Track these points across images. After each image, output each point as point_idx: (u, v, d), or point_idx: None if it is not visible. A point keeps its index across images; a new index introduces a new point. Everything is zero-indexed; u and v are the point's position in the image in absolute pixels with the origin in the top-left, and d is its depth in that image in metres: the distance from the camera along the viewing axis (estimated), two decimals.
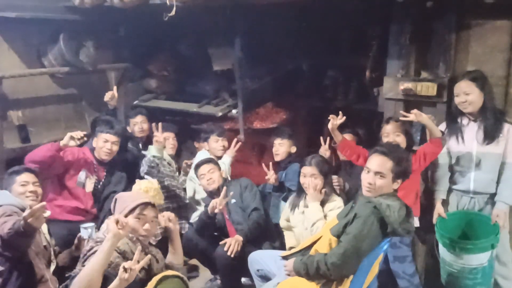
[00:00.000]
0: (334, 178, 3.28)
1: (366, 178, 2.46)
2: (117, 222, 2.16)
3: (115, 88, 4.20)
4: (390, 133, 2.96)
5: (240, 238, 3.09)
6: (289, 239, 3.20)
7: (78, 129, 3.95)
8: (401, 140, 2.93)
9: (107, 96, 4.08)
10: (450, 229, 2.88)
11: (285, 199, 3.55)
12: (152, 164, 3.55)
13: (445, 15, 2.98)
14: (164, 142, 3.69)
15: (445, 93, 2.95)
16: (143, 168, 3.59)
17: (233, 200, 3.36)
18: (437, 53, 3.06)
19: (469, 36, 2.98)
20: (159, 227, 3.32)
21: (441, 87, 2.96)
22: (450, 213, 2.96)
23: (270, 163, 3.61)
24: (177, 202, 3.84)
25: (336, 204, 3.00)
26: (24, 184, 2.77)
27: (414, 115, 2.77)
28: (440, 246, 2.86)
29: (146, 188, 3.29)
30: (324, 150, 3.58)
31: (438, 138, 2.77)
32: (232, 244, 3.04)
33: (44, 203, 2.27)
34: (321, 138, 3.64)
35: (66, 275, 2.27)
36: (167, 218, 2.55)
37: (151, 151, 3.61)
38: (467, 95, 2.75)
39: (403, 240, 2.94)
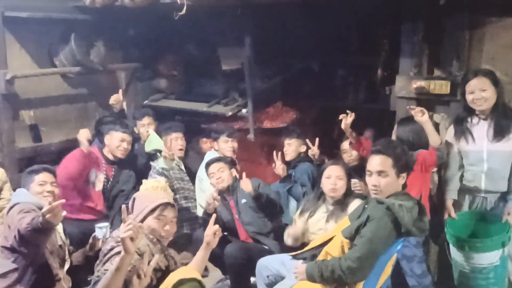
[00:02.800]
0: (355, 181, 3.16)
1: (370, 181, 2.44)
2: (131, 238, 2.03)
3: (121, 91, 4.18)
4: None
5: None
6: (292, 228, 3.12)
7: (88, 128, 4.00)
8: None
9: (112, 99, 4.04)
10: (460, 228, 2.86)
11: (289, 191, 3.54)
12: (160, 176, 3.57)
13: (458, 13, 2.96)
14: (173, 156, 3.70)
15: (459, 91, 2.92)
16: (151, 177, 3.59)
17: (243, 200, 3.35)
18: (450, 51, 3.03)
19: (482, 34, 2.95)
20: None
21: (454, 85, 2.93)
22: (460, 213, 2.94)
23: (279, 153, 3.59)
24: (187, 203, 3.84)
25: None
26: (42, 184, 2.78)
27: (420, 111, 2.75)
28: (451, 247, 2.83)
29: (152, 187, 3.28)
30: (312, 153, 3.56)
31: (433, 148, 2.76)
32: None
33: (63, 200, 2.27)
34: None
35: (88, 278, 2.24)
36: (214, 230, 2.42)
37: (160, 163, 3.62)
38: (483, 91, 2.72)
39: (410, 240, 2.90)
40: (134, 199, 2.44)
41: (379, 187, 2.39)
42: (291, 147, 3.72)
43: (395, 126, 3.03)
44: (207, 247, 2.44)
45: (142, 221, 2.32)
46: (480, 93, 2.74)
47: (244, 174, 3.35)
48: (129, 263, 2.06)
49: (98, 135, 3.86)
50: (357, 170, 3.53)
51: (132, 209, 2.40)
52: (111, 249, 2.23)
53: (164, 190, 3.23)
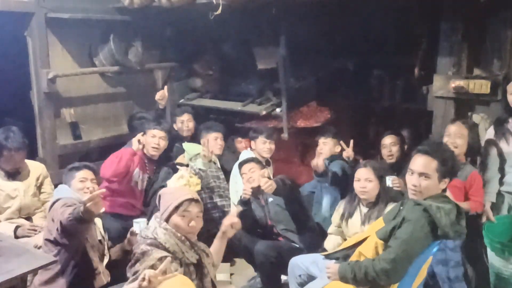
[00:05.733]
0: (395, 178, 3.15)
1: (410, 180, 2.36)
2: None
3: (166, 87, 4.26)
4: (452, 134, 2.86)
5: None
6: (329, 244, 3.15)
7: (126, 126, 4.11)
8: (461, 143, 2.81)
9: (158, 95, 4.15)
10: (499, 232, 2.78)
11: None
12: (198, 176, 3.61)
13: (500, 11, 2.87)
14: (211, 157, 3.74)
15: (500, 91, 2.84)
16: None
17: (270, 199, 3.37)
18: (491, 49, 2.96)
19: None
20: None
21: (495, 85, 2.86)
22: (499, 217, 2.87)
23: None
24: (222, 201, 3.88)
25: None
26: (83, 180, 2.87)
27: None
28: (489, 251, 2.76)
29: (177, 177, 3.33)
30: (347, 155, 3.52)
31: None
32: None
33: (103, 189, 2.35)
34: (341, 143, 3.64)
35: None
36: (233, 222, 2.51)
37: (198, 164, 3.66)
38: None
39: (447, 244, 2.84)
40: (159, 196, 2.47)
41: (419, 187, 2.32)
42: (327, 146, 3.70)
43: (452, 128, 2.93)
44: (223, 236, 2.53)
45: (167, 219, 2.35)
46: None
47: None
48: None
49: (132, 131, 3.97)
50: (396, 168, 3.52)
51: (159, 206, 2.44)
52: (142, 252, 2.25)
53: (187, 183, 3.29)
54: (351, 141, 3.58)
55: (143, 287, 1.97)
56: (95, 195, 2.30)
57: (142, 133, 3.57)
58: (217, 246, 2.55)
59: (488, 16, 2.94)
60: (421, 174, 2.32)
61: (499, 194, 2.88)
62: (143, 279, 1.99)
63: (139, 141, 3.46)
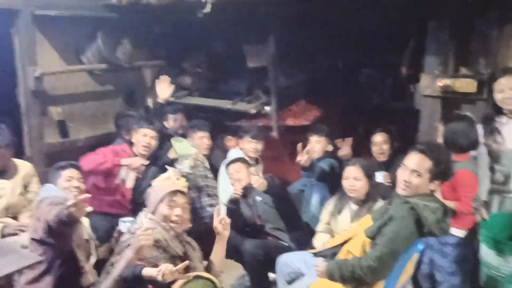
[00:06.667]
0: (386, 174, 3.20)
1: (402, 175, 2.39)
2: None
3: (172, 85, 4.18)
4: None
5: None
6: (318, 242, 3.17)
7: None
8: None
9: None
10: (497, 231, 2.77)
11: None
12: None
13: (488, 10, 2.89)
14: (200, 158, 3.74)
15: (486, 89, 2.86)
16: None
17: (259, 198, 3.37)
18: (478, 49, 2.97)
19: (511, 31, 2.87)
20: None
21: (481, 84, 2.87)
22: (495, 215, 2.87)
23: (299, 146, 3.53)
24: (210, 201, 3.87)
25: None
26: (69, 179, 2.87)
27: None
28: (484, 249, 2.76)
29: (164, 178, 3.34)
30: (343, 153, 3.53)
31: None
32: None
33: (87, 195, 2.34)
34: (337, 141, 3.67)
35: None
36: (220, 219, 2.54)
37: (185, 167, 3.66)
38: None
39: (448, 240, 2.84)
40: (148, 194, 2.51)
41: (409, 184, 2.35)
42: (319, 145, 3.71)
43: (440, 127, 2.95)
44: (220, 238, 2.57)
45: (154, 211, 2.38)
46: (510, 91, 2.68)
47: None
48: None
49: (118, 129, 3.97)
50: (386, 166, 3.55)
51: (147, 204, 2.47)
52: (125, 241, 2.29)
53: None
54: (350, 139, 3.57)
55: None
56: (78, 201, 2.28)
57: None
58: (217, 249, 2.58)
59: (475, 15, 2.95)
60: (413, 171, 2.34)
61: (491, 192, 2.89)
62: (160, 271, 2.03)
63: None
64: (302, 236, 3.35)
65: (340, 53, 4.55)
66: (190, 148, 3.84)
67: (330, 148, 3.74)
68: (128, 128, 3.84)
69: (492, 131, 2.80)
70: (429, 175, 2.34)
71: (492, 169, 2.87)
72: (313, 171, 3.53)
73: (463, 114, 2.95)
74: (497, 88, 2.72)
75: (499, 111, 2.79)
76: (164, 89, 4.07)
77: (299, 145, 3.44)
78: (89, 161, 3.39)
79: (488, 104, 2.85)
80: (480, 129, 2.86)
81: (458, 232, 2.81)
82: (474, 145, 2.80)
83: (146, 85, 4.74)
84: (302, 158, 3.40)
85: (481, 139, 2.85)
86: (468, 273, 2.94)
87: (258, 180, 3.04)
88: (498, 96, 2.72)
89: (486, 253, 2.75)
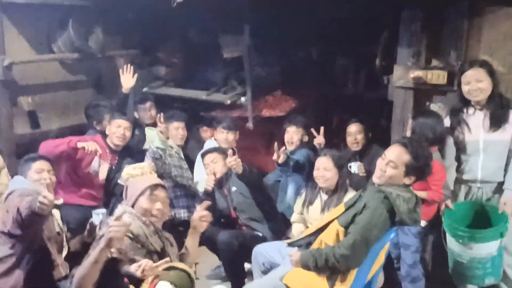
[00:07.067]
0: (360, 165, 3.27)
1: (379, 164, 2.44)
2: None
3: (136, 75, 4.08)
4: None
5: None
6: (294, 233, 3.19)
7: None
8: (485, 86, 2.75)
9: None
10: (458, 219, 2.85)
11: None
12: (155, 155, 3.58)
13: (458, 2, 2.93)
14: (167, 133, 3.70)
15: (456, 81, 2.90)
16: (147, 158, 3.61)
17: (234, 188, 3.38)
18: (449, 40, 3.01)
19: (481, 23, 2.92)
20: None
21: (451, 75, 2.91)
22: (458, 204, 2.94)
23: (276, 144, 3.52)
24: (185, 191, 3.85)
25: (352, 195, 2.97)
26: (39, 171, 2.81)
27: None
28: (448, 237, 2.84)
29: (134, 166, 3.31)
30: (318, 142, 3.56)
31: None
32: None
33: (61, 200, 2.29)
34: (313, 130, 3.66)
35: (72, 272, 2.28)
36: (202, 215, 2.52)
37: (155, 143, 3.62)
38: (479, 82, 2.72)
39: (411, 229, 2.93)
40: (126, 186, 2.48)
41: (384, 173, 2.39)
42: (297, 135, 3.72)
43: (410, 120, 2.99)
44: (194, 232, 2.55)
45: (133, 204, 2.35)
46: (476, 84, 2.73)
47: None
48: (106, 256, 2.12)
49: (88, 119, 3.90)
50: (360, 155, 3.60)
51: (125, 197, 2.43)
52: (103, 235, 2.26)
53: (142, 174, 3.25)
54: (322, 128, 3.60)
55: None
56: (48, 202, 2.24)
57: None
58: (190, 242, 2.56)
59: (446, 6, 2.99)
60: (390, 162, 2.38)
61: (456, 182, 2.97)
62: (139, 267, 2.03)
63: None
64: (277, 226, 3.37)
65: (315, 44, 4.56)
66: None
67: (306, 138, 3.76)
68: (98, 118, 3.78)
69: (459, 122, 2.86)
70: (404, 169, 2.38)
71: (458, 159, 2.94)
72: (288, 166, 3.54)
73: (430, 110, 3.02)
74: (464, 80, 2.78)
75: (467, 102, 2.84)
76: (127, 78, 3.99)
77: (275, 144, 3.45)
78: (45, 145, 3.30)
79: (456, 96, 2.90)
80: (448, 120, 2.93)
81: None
82: (440, 139, 2.86)
83: (120, 74, 4.65)
84: (278, 156, 3.41)
85: (449, 129, 2.91)
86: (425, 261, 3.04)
87: (234, 160, 3.03)
88: (465, 88, 2.78)
89: (450, 241, 2.83)
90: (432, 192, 2.83)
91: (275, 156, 3.37)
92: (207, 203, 2.58)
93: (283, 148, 3.35)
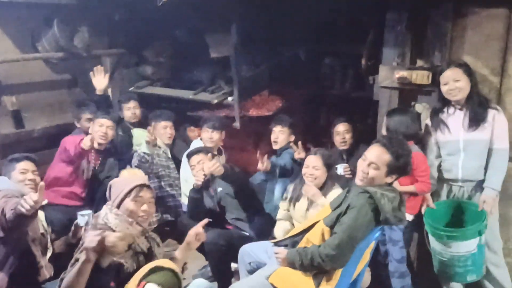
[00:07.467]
0: (346, 166, 3.27)
1: (360, 165, 2.44)
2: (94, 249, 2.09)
3: (107, 75, 4.13)
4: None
5: None
6: (278, 230, 3.21)
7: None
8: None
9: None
10: (438, 218, 2.89)
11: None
12: (142, 159, 3.59)
13: (442, 3, 2.96)
14: (155, 142, 3.69)
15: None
16: (134, 161, 3.62)
17: (219, 189, 3.37)
18: (433, 41, 3.04)
19: (465, 24, 2.95)
20: (154, 215, 3.35)
21: (436, 76, 2.94)
22: (438, 203, 2.98)
23: (259, 153, 3.51)
24: (172, 191, 3.84)
25: (338, 193, 2.98)
26: (23, 172, 2.79)
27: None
28: (430, 236, 2.87)
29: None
30: (298, 156, 3.53)
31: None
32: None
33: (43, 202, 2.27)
34: (293, 145, 3.65)
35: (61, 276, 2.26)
36: (197, 232, 2.49)
37: (142, 148, 3.61)
38: (457, 81, 2.76)
39: (399, 226, 2.95)
40: (110, 186, 2.45)
41: (366, 175, 2.40)
42: (283, 135, 3.72)
43: (385, 117, 3.02)
44: (187, 247, 2.50)
45: (119, 205, 2.33)
46: (453, 83, 2.77)
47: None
48: (90, 268, 2.11)
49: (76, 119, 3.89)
50: (347, 155, 3.61)
51: (110, 197, 2.41)
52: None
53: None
54: (299, 143, 3.58)
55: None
56: (33, 204, 2.22)
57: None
58: (180, 256, 2.51)
59: (430, 7, 3.02)
60: (371, 163, 2.39)
61: (438, 181, 3.00)
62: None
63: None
64: (264, 226, 3.37)
65: (302, 44, 4.57)
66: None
67: (292, 138, 3.77)
68: (77, 117, 3.77)
69: (439, 121, 2.90)
70: (386, 169, 2.39)
71: (439, 158, 2.97)
72: (274, 174, 3.56)
73: (403, 107, 3.06)
74: (442, 81, 2.82)
75: (447, 102, 2.89)
76: (99, 80, 4.00)
77: (258, 153, 3.45)
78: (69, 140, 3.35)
79: (437, 96, 2.94)
80: (428, 120, 2.97)
81: (407, 216, 2.91)
82: (415, 136, 2.91)
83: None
84: (263, 165, 3.41)
85: (429, 129, 2.96)
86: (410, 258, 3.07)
87: (214, 165, 3.03)
88: (444, 88, 2.82)
89: (432, 239, 2.87)
90: (420, 184, 2.87)
91: (259, 165, 3.38)
92: (206, 220, 2.56)
93: (265, 157, 3.37)
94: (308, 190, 3.00)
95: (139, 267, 2.28)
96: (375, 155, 2.40)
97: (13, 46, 3.92)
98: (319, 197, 2.97)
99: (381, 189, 2.37)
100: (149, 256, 2.37)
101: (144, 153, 3.60)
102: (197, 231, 2.49)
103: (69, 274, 2.11)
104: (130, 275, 2.22)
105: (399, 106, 3.12)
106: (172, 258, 2.53)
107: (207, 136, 3.83)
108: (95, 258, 2.12)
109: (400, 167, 2.41)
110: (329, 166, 3.07)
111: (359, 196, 2.37)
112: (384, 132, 2.97)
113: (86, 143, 3.26)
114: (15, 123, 3.98)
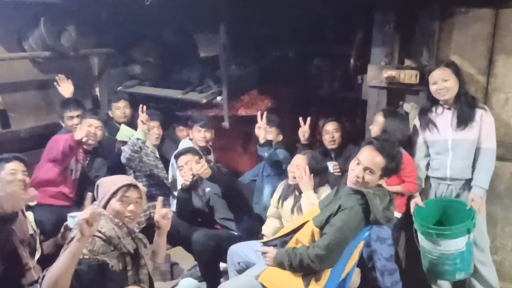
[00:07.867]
0: (335, 164, 3.29)
1: (354, 170, 2.41)
2: (87, 221, 2.02)
3: (69, 80, 4.10)
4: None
5: None
6: (267, 228, 3.21)
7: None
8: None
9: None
10: (427, 216, 2.91)
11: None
12: (135, 147, 3.52)
13: (429, 4, 2.99)
14: (149, 125, 3.66)
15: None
16: (125, 154, 3.55)
17: (207, 189, 3.37)
18: (421, 41, 3.07)
19: (452, 24, 2.98)
20: (143, 214, 3.33)
21: (423, 75, 2.97)
22: (426, 201, 3.00)
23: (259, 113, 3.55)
24: (160, 191, 3.82)
25: (327, 192, 2.98)
26: (13, 173, 2.74)
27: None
28: (419, 234, 2.89)
29: None
30: (303, 132, 3.57)
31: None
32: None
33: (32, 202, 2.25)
34: (301, 119, 3.65)
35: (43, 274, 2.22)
36: (163, 214, 2.49)
37: (135, 134, 3.57)
38: (445, 81, 2.79)
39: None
40: (97, 186, 2.43)
41: (361, 179, 2.38)
42: (271, 135, 3.72)
43: (380, 119, 3.01)
44: (160, 231, 2.52)
45: (105, 205, 2.30)
46: (442, 83, 2.79)
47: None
48: (83, 247, 2.07)
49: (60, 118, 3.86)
50: (336, 153, 3.63)
51: (97, 197, 2.39)
52: (73, 238, 2.21)
53: None
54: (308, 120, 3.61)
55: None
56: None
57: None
58: (157, 242, 2.53)
59: (418, 7, 3.05)
60: (366, 168, 2.38)
61: (426, 180, 3.03)
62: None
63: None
64: (253, 226, 3.38)
65: (291, 44, 4.57)
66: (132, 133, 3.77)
67: (280, 138, 3.77)
68: (60, 114, 3.74)
69: (428, 121, 2.92)
70: (380, 173, 2.40)
71: (428, 157, 3.00)
72: (269, 156, 3.53)
73: (402, 114, 3.10)
74: (431, 80, 2.84)
75: (435, 102, 2.91)
76: (65, 88, 4.03)
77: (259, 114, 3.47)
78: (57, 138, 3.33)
79: (425, 95, 2.96)
80: (417, 119, 2.99)
81: (395, 214, 2.93)
82: (406, 141, 2.97)
83: (94, 74, 4.57)
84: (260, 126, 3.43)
85: (417, 128, 2.98)
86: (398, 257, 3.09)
87: (202, 167, 3.02)
88: (432, 88, 2.85)
89: (421, 238, 2.89)
90: (407, 184, 2.92)
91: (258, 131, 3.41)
92: (161, 198, 2.56)
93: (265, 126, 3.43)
94: (301, 176, 2.97)
95: (125, 267, 2.27)
96: (370, 160, 2.38)
97: None
98: (309, 187, 2.93)
99: (372, 189, 2.37)
100: (136, 257, 2.35)
101: (138, 139, 3.54)
102: (162, 213, 2.49)
103: (57, 261, 2.05)
104: (117, 274, 2.20)
105: (397, 110, 3.14)
106: (153, 252, 2.54)
107: (199, 136, 3.83)
108: (89, 235, 2.06)
109: (393, 169, 2.42)
110: (313, 169, 2.99)
111: (351, 197, 2.36)
112: (376, 131, 2.98)
113: (79, 134, 3.23)
114: (2, 123, 3.92)
